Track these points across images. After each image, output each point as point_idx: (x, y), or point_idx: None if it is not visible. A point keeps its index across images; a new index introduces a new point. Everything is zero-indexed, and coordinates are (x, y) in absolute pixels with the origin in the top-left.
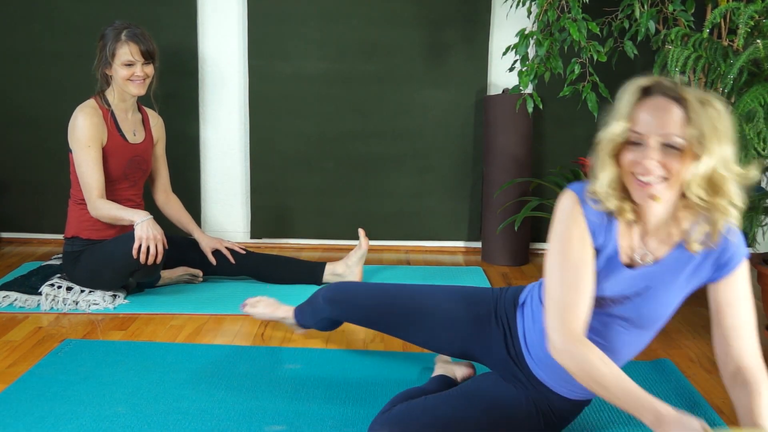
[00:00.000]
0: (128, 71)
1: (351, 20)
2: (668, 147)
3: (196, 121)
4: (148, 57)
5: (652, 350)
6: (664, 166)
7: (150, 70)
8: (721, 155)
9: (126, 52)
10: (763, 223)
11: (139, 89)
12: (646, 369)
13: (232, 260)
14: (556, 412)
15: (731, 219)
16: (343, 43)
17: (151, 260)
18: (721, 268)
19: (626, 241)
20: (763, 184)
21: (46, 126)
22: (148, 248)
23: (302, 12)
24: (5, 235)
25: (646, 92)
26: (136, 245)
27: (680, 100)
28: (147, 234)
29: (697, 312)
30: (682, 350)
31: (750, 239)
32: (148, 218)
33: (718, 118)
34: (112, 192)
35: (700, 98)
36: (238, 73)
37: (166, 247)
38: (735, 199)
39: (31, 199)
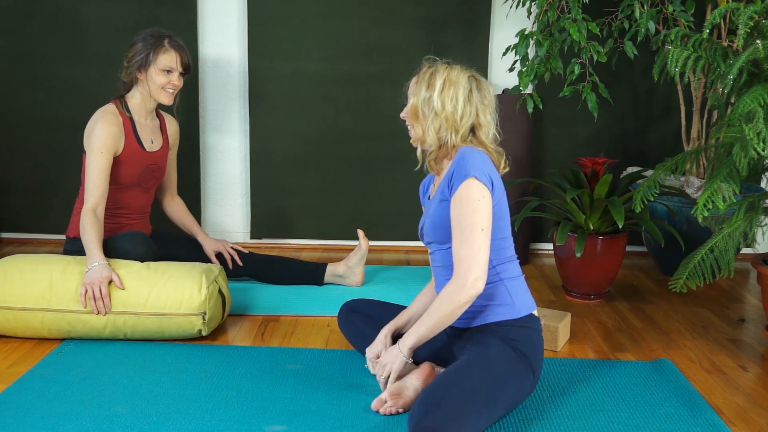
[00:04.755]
0: (165, 79)
1: (351, 21)
2: None
3: (196, 122)
4: (186, 68)
5: (652, 350)
6: None
7: (182, 82)
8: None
9: (170, 59)
10: (763, 224)
11: (169, 99)
12: (646, 369)
13: (230, 265)
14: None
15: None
16: (342, 43)
17: (98, 309)
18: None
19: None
20: (763, 184)
21: (47, 126)
22: (95, 295)
23: (302, 13)
24: (5, 235)
25: None
26: (82, 291)
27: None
28: (91, 280)
29: (696, 312)
30: (681, 351)
31: (750, 239)
32: (98, 264)
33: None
34: (124, 198)
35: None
36: (238, 73)
37: (122, 288)
38: None
39: (32, 199)
